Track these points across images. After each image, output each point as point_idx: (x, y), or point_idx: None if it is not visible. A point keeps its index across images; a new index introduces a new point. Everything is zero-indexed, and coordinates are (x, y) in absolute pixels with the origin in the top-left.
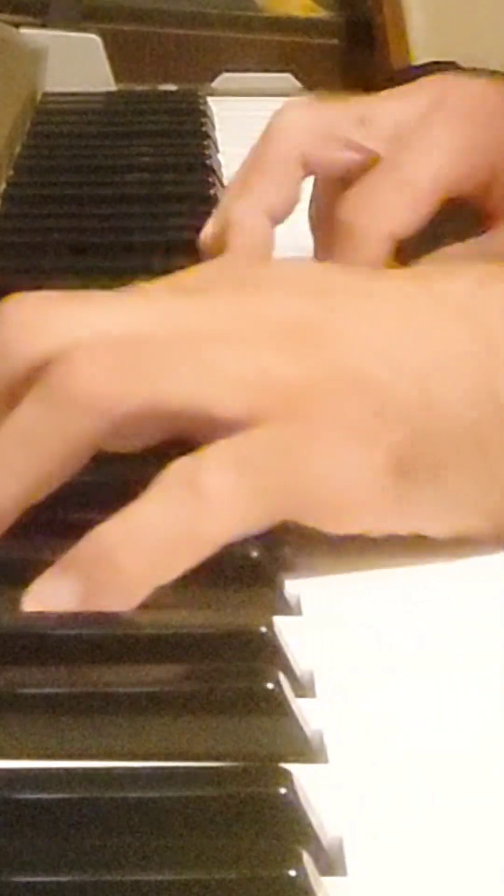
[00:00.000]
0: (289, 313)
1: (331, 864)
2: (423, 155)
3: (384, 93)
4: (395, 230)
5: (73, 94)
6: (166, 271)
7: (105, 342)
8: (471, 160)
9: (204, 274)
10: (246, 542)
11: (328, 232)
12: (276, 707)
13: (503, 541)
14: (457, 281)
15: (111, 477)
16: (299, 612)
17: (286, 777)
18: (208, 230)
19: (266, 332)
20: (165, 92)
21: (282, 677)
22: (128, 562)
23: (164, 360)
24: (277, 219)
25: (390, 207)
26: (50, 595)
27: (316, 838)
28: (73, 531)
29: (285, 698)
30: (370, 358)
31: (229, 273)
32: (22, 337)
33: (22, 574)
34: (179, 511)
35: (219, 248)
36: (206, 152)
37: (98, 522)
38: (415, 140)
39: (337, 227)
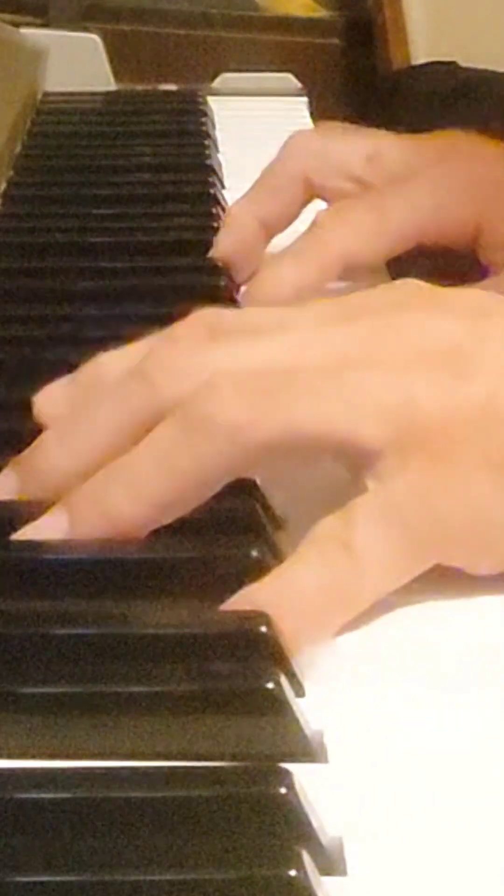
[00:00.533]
0: (438, 338)
1: (331, 864)
2: (407, 198)
3: (397, 137)
4: (351, 249)
5: (73, 94)
6: (166, 270)
7: (246, 371)
8: (452, 215)
9: (352, 301)
10: (246, 541)
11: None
12: (276, 707)
13: None
14: None
15: None
16: None
17: (286, 777)
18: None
19: (414, 358)
20: (165, 92)
21: (282, 677)
22: (283, 624)
23: (303, 386)
24: (270, 228)
25: (356, 226)
26: None
27: (316, 838)
28: None
29: (285, 698)
30: None
31: (375, 299)
32: (170, 376)
33: (22, 573)
34: (333, 571)
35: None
36: (206, 152)
37: None
38: (407, 184)
39: (308, 229)
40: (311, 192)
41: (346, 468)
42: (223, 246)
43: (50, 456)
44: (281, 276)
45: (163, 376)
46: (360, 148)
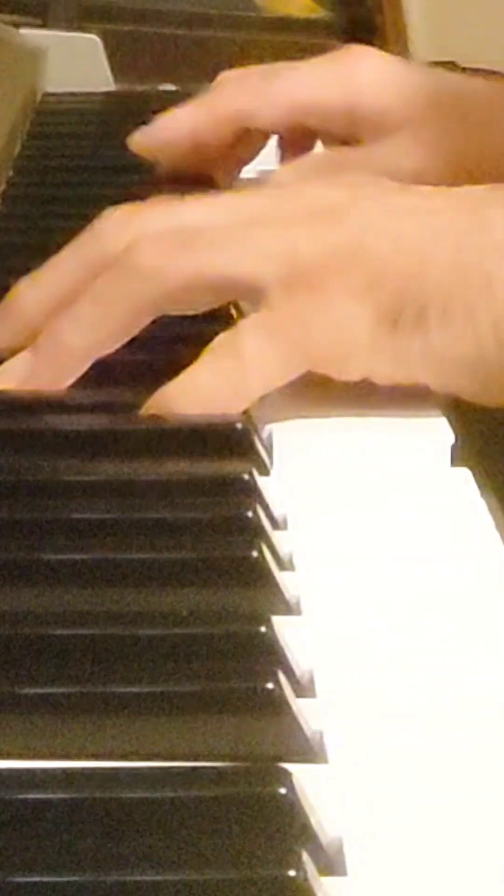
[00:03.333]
0: (321, 201)
1: (331, 864)
2: (293, 75)
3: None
4: (244, 108)
5: (73, 94)
6: None
7: (166, 229)
8: (326, 93)
9: (274, 179)
10: (246, 541)
11: None
12: (276, 707)
13: (493, 402)
14: (457, 189)
15: (113, 476)
16: (299, 612)
17: (286, 777)
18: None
19: (300, 216)
20: (165, 92)
21: (282, 677)
22: (190, 411)
23: (210, 239)
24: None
25: (250, 90)
26: None
27: (316, 838)
28: (72, 529)
29: (285, 698)
30: (377, 237)
31: (280, 178)
32: (111, 229)
33: (22, 573)
34: (225, 371)
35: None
36: None
37: (103, 522)
38: (293, 67)
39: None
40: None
41: (249, 305)
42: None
43: (20, 299)
44: (176, 115)
45: (107, 233)
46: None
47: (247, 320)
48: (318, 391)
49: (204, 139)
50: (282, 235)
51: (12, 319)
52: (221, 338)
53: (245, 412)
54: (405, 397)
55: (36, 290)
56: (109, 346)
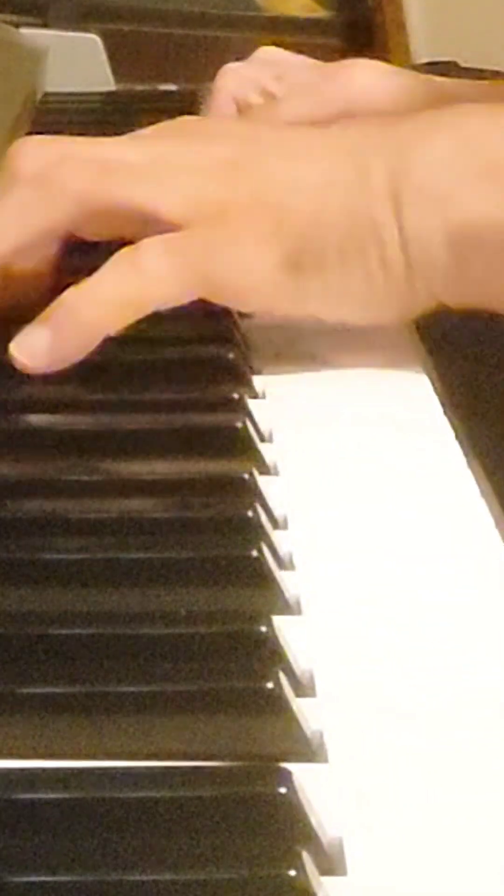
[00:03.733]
0: (231, 153)
1: (331, 864)
2: (341, 80)
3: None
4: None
5: (73, 94)
6: None
7: (95, 156)
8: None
9: (187, 125)
10: (246, 541)
11: None
12: (276, 707)
13: (377, 322)
14: (349, 129)
15: (113, 476)
16: (299, 612)
17: (286, 777)
18: None
19: (211, 164)
20: (165, 92)
21: (282, 677)
22: (87, 313)
23: (133, 173)
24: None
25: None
26: (28, 343)
27: (316, 838)
28: (72, 528)
29: (285, 698)
30: (277, 186)
31: (203, 126)
32: (37, 151)
33: (22, 573)
34: (125, 280)
35: None
36: None
37: (103, 522)
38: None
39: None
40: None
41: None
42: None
43: None
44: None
45: (29, 155)
46: (269, 70)
47: (150, 239)
48: (306, 344)
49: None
50: (194, 179)
51: None
52: (123, 251)
53: (245, 412)
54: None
55: None
56: (21, 260)
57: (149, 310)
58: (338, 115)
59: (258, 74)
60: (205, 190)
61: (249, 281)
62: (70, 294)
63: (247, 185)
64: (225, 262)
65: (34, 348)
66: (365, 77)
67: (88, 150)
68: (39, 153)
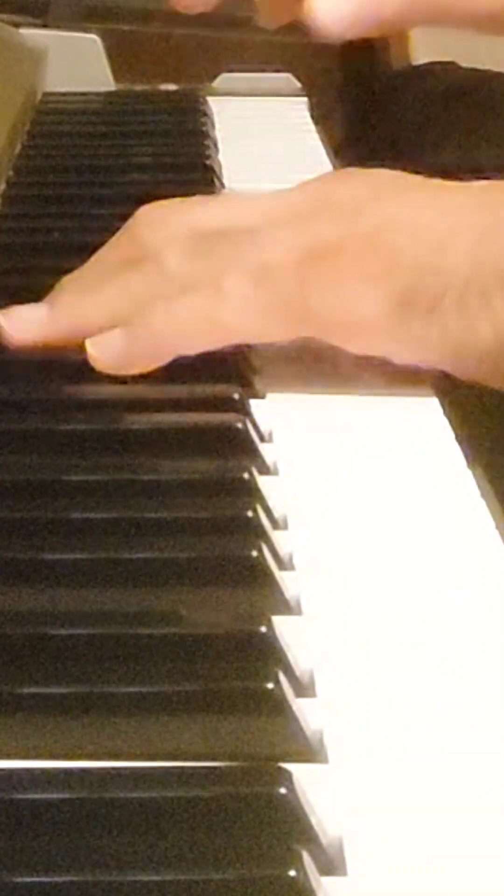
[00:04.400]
0: (343, 196)
1: (331, 864)
2: None
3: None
4: None
5: (73, 94)
6: None
7: (196, 234)
8: None
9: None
10: (246, 541)
11: None
12: (276, 707)
13: (495, 384)
14: (487, 188)
15: (113, 476)
16: (299, 612)
17: (286, 777)
18: None
19: (321, 210)
20: (165, 92)
21: (282, 677)
22: (162, 330)
23: (233, 245)
24: None
25: None
26: (103, 342)
27: (316, 838)
28: (72, 529)
29: (285, 698)
30: (394, 229)
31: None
32: (144, 229)
33: (22, 573)
34: (205, 303)
35: None
36: (206, 152)
37: (103, 522)
38: None
39: None
40: None
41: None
42: None
43: (65, 298)
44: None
45: (139, 233)
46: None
47: (241, 266)
48: (317, 367)
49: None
50: (303, 229)
51: (60, 319)
52: (214, 271)
53: (245, 412)
54: (399, 379)
55: (79, 290)
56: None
57: (232, 339)
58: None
59: None
60: (317, 236)
61: (353, 320)
62: (153, 305)
63: (363, 228)
64: (328, 298)
65: (107, 349)
66: None
67: (198, 220)
68: (149, 234)
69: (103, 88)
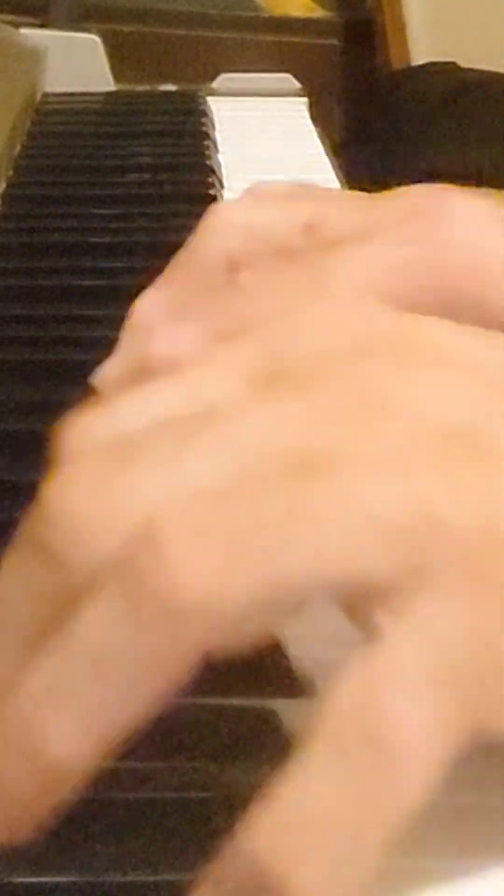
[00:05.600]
0: (451, 414)
1: None
2: (354, 260)
3: (348, 197)
4: None
5: (73, 94)
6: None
7: (193, 510)
8: (419, 281)
9: (294, 345)
10: None
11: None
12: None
13: None
14: None
15: None
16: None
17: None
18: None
19: (414, 443)
20: (165, 92)
21: (282, 677)
22: (289, 870)
23: (274, 515)
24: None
25: (286, 294)
26: None
27: None
28: None
29: (285, 699)
30: None
31: (332, 336)
32: (78, 538)
33: None
34: (359, 785)
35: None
36: (206, 152)
37: None
38: (354, 244)
39: (224, 291)
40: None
41: (346, 613)
42: (110, 371)
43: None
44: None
45: (70, 540)
46: (296, 215)
47: (388, 663)
48: None
49: None
50: (398, 487)
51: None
52: (346, 707)
53: None
54: None
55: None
56: (123, 734)
57: (407, 817)
58: (431, 299)
59: (273, 222)
60: (434, 506)
61: None
62: (254, 830)
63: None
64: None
65: None
66: (466, 223)
67: (170, 482)
68: (85, 522)
69: (103, 88)
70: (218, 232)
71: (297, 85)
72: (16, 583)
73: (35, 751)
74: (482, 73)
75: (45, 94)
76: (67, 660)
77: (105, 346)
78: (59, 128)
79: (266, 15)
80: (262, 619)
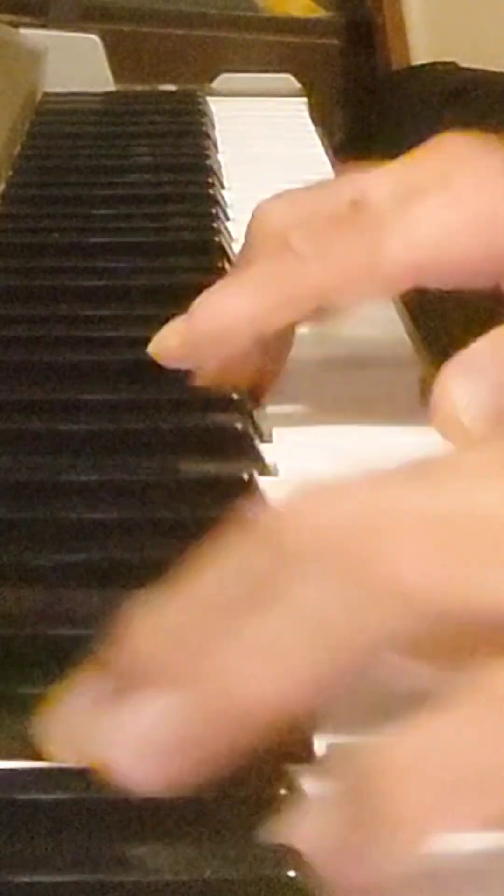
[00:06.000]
0: None
1: None
2: (404, 233)
3: (385, 168)
4: (331, 288)
5: (73, 94)
6: (166, 270)
7: (419, 518)
8: (460, 252)
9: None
10: None
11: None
12: None
13: None
14: None
15: (113, 476)
16: None
17: (286, 777)
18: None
19: None
20: (165, 92)
21: None
22: (407, 795)
23: (494, 541)
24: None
25: (340, 261)
26: (306, 829)
27: None
28: (72, 529)
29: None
30: None
31: None
32: (299, 524)
33: (22, 574)
34: (497, 736)
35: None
36: (206, 152)
37: (103, 522)
38: (405, 215)
39: (276, 251)
40: None
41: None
42: (167, 339)
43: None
44: (233, 306)
45: (292, 527)
46: (340, 194)
47: None
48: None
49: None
50: None
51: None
52: (496, 677)
53: (245, 412)
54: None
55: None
56: (322, 698)
57: None
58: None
59: (320, 201)
60: None
61: None
62: (386, 751)
63: None
64: None
65: (318, 839)
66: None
67: (403, 501)
68: (318, 514)
69: (103, 88)
70: (269, 219)
71: (297, 85)
72: (230, 561)
73: (234, 697)
74: (482, 73)
75: (45, 94)
76: (284, 622)
77: (105, 346)
78: (59, 128)
79: (266, 15)
80: (444, 632)
